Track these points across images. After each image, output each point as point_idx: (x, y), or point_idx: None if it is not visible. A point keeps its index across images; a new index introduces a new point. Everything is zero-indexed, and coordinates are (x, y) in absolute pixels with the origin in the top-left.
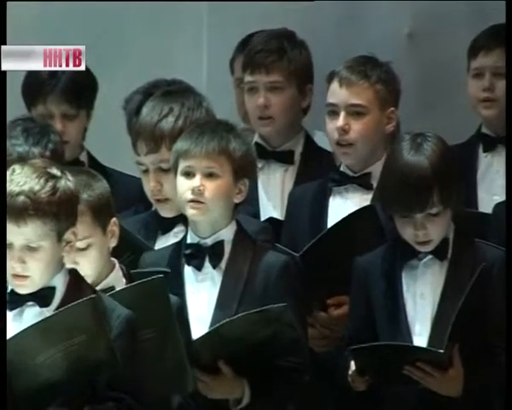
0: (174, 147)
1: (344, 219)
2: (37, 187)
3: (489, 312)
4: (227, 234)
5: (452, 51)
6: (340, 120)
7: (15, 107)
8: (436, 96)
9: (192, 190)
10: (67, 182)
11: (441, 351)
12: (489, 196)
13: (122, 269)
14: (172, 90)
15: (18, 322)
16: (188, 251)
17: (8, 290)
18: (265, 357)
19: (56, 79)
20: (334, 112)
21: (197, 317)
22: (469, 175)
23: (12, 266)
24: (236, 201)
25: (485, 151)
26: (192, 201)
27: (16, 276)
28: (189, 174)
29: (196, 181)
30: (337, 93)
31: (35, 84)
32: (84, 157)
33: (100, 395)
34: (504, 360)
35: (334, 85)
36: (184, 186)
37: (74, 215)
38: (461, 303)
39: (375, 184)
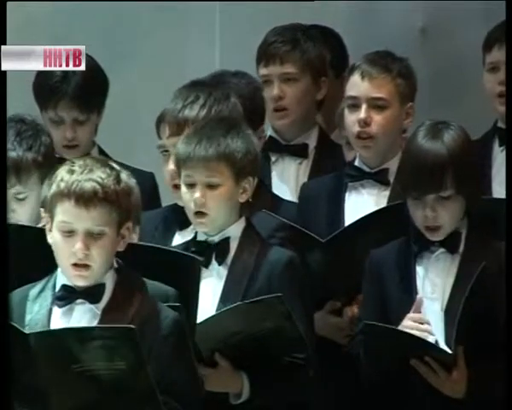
0: (175, 150)
1: (373, 213)
2: (103, 175)
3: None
4: (234, 231)
5: (466, 46)
6: (362, 113)
7: (16, 106)
8: (449, 91)
9: (194, 202)
10: (125, 176)
11: (450, 352)
12: (503, 190)
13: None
14: (201, 81)
15: (67, 319)
16: (195, 249)
17: (58, 286)
18: (266, 351)
19: (67, 84)
20: (354, 105)
21: (203, 312)
22: (484, 169)
23: (74, 253)
24: (241, 200)
25: (500, 145)
26: (196, 213)
27: (77, 265)
28: (190, 184)
29: (197, 193)
30: (358, 86)
31: (46, 89)
32: (95, 153)
33: None
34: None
35: (355, 78)
36: (187, 197)
37: (130, 210)
38: (462, 304)
39: (391, 180)
